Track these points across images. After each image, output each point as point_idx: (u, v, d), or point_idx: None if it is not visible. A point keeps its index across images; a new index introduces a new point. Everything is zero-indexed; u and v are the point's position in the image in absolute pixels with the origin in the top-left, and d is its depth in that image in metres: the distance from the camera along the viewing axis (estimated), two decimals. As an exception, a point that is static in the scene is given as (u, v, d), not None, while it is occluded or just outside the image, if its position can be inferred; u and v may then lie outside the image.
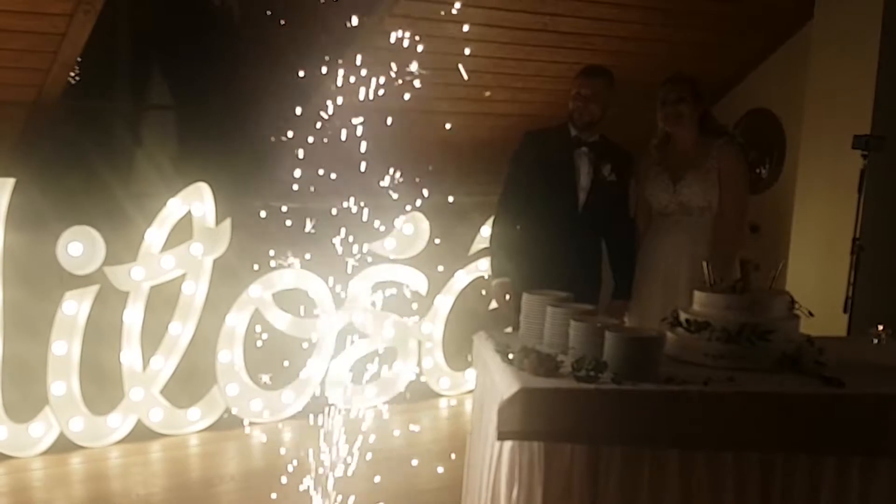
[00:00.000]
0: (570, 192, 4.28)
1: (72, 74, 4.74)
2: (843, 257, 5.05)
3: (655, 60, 5.61)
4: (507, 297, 4.36)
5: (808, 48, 5.67)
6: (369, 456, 4.33)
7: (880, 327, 3.62)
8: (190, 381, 4.94)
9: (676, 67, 5.51)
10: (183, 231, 4.79)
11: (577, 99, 4.24)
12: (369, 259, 5.30)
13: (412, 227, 5.56)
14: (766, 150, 6.13)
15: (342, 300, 5.22)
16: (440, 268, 5.54)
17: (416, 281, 5.59)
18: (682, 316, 3.31)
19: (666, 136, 4.39)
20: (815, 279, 5.57)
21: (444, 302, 5.78)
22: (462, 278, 5.80)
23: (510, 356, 3.18)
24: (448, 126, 5.19)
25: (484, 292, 5.55)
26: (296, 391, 5.23)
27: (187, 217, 4.78)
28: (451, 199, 5.26)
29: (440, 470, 4.53)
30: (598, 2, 5.04)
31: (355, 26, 4.54)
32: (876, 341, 3.59)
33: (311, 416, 4.06)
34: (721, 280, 3.43)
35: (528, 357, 3.10)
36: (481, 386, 3.50)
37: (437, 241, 5.48)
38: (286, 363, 5.15)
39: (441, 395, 5.83)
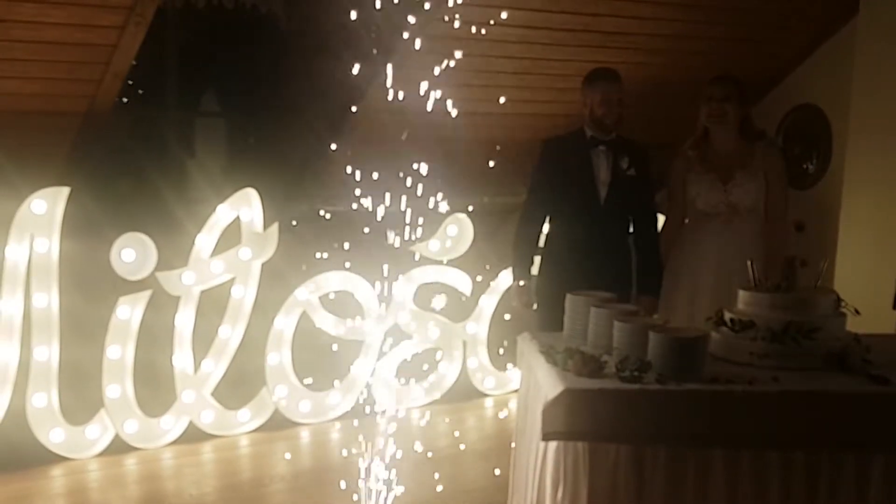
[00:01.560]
0: (591, 188, 4.34)
1: (128, 83, 4.86)
2: (891, 253, 5.01)
3: (698, 58, 5.61)
4: (526, 301, 4.48)
5: (853, 43, 5.61)
6: (416, 456, 4.39)
7: (929, 325, 3.58)
8: (240, 384, 5.03)
9: (720, 65, 5.54)
10: (232, 236, 4.88)
11: (605, 104, 4.28)
12: (416, 259, 5.35)
13: (456, 229, 5.61)
14: (813, 145, 6.08)
15: (388, 302, 5.29)
16: (487, 266, 5.57)
17: (461, 282, 5.63)
18: (727, 315, 3.31)
19: (703, 135, 4.42)
20: (864, 275, 5.52)
21: (489, 302, 5.82)
22: (506, 278, 5.83)
23: (555, 357, 3.22)
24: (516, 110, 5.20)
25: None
26: (343, 392, 5.30)
27: (236, 222, 4.87)
28: (485, 199, 5.30)
29: (487, 470, 4.57)
30: (638, 1, 5.03)
31: (402, 30, 4.59)
32: (924, 339, 3.56)
33: (358, 417, 4.12)
34: (768, 279, 3.42)
35: (572, 358, 3.13)
36: (526, 386, 3.53)
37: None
38: (334, 364, 5.22)
39: (486, 395, 5.87)
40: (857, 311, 3.35)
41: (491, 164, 4.83)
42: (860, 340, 3.22)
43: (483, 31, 4.67)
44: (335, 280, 5.22)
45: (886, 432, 2.95)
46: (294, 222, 4.99)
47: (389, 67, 3.98)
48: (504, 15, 4.54)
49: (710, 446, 2.94)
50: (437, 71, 4.02)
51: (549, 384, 3.05)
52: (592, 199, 4.35)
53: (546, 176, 4.42)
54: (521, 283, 4.50)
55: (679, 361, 3.01)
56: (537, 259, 4.59)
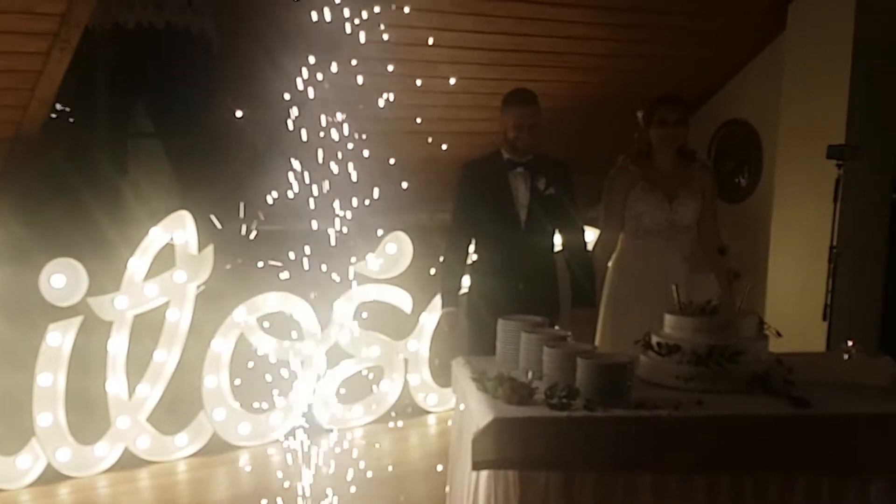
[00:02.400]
0: (511, 211, 4.38)
1: (57, 106, 4.78)
2: (821, 265, 5.11)
3: (633, 75, 5.69)
4: (454, 326, 4.51)
5: (781, 59, 5.73)
6: (358, 476, 4.38)
7: (850, 343, 3.66)
8: (176, 408, 4.97)
9: (655, 82, 5.63)
10: (167, 259, 4.83)
11: (519, 129, 4.32)
12: (354, 279, 5.34)
13: (395, 247, 5.61)
14: (745, 160, 6.20)
15: (327, 322, 5.27)
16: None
17: (401, 299, 5.64)
18: (654, 339, 3.36)
19: (643, 155, 4.47)
20: (795, 287, 5.64)
21: (430, 319, 5.83)
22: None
23: (486, 384, 3.23)
24: (431, 139, 5.24)
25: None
26: (283, 414, 5.27)
27: (171, 245, 4.82)
28: (429, 216, 5.32)
29: (430, 489, 4.57)
30: (572, 21, 5.10)
31: (334, 46, 4.58)
32: (847, 357, 3.63)
33: (298, 438, 4.11)
34: (692, 302, 3.48)
35: (502, 385, 3.15)
36: (459, 411, 3.55)
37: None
38: (273, 387, 5.18)
39: (429, 412, 5.87)
40: (778, 334, 3.42)
41: (405, 185, 4.82)
42: (782, 362, 3.28)
43: (415, 52, 4.69)
44: (273, 301, 5.18)
45: (808, 454, 3.01)
46: (239, 260, 4.96)
47: (318, 86, 4.01)
48: (431, 40, 4.56)
49: (638, 471, 2.98)
50: (368, 89, 4.05)
51: (479, 412, 3.07)
52: (513, 221, 4.39)
53: (467, 200, 4.47)
54: (449, 310, 4.53)
55: (606, 388, 3.05)
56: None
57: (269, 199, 4.30)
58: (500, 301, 4.15)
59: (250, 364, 5.03)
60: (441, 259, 4.60)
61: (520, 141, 4.34)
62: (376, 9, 3.90)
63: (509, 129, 4.35)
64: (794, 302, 5.61)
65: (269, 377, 4.92)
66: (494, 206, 4.39)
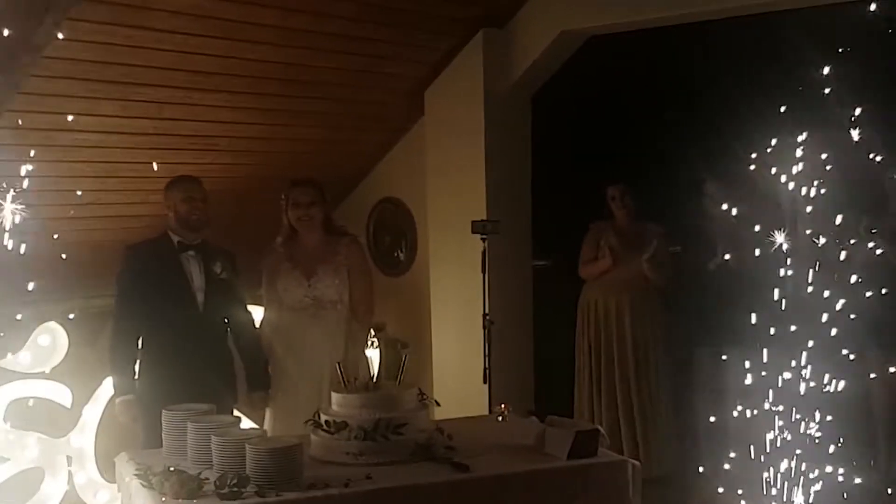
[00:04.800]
0: (187, 295, 4.35)
1: None
2: (477, 332, 5.42)
3: (284, 157, 5.84)
4: (133, 415, 4.33)
5: (424, 140, 6.14)
6: None
7: (503, 406, 3.97)
8: None
9: (307, 163, 5.81)
10: None
11: (190, 202, 4.33)
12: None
13: (49, 338, 5.28)
14: (401, 235, 6.50)
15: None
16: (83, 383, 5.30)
17: (59, 393, 5.30)
18: (323, 417, 3.45)
19: (291, 234, 4.61)
20: (457, 354, 5.97)
21: (94, 412, 5.52)
22: (110, 385, 5.57)
23: (151, 480, 3.13)
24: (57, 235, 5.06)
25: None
26: (-78, 534, 4.73)
27: None
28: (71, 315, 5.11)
29: None
30: (216, 106, 5.16)
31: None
32: (500, 419, 3.93)
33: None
34: (356, 378, 3.61)
35: (168, 480, 3.07)
36: (126, 512, 3.40)
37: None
38: None
39: (101, 511, 5.52)
40: (437, 403, 3.63)
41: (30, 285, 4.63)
42: (443, 430, 3.49)
43: (56, 137, 4.54)
44: None
45: (470, 515, 3.22)
46: None
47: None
48: (70, 118, 4.46)
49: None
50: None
51: (146, 511, 2.97)
52: (190, 305, 4.35)
53: (134, 285, 4.34)
54: (125, 398, 4.35)
55: (276, 472, 3.08)
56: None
57: None
58: (175, 388, 4.04)
59: None
60: (110, 347, 4.41)
61: (194, 214, 4.32)
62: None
63: (179, 203, 4.33)
64: (457, 368, 5.94)
65: None
66: (168, 290, 4.32)
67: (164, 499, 3.00)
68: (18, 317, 4.68)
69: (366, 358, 4.53)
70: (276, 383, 4.57)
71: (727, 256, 5.32)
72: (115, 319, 4.41)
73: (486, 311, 5.38)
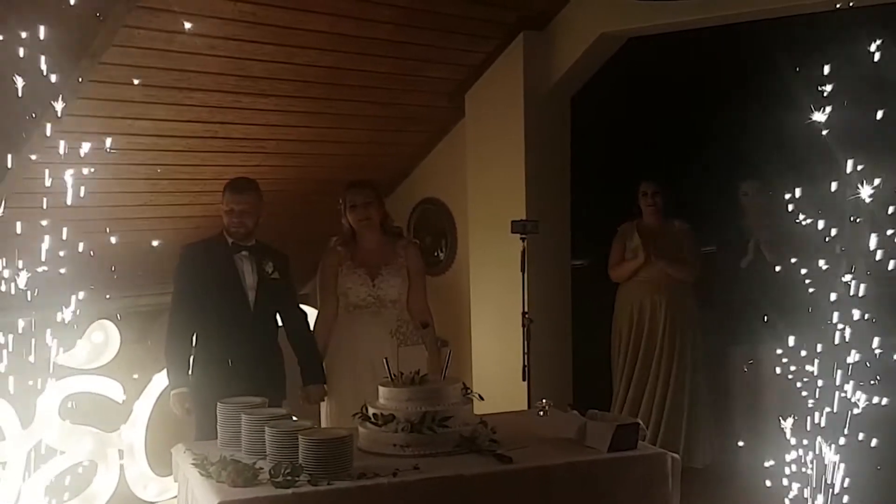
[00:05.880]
0: (240, 293, 4.49)
1: None
2: (516, 330, 5.50)
3: (330, 159, 5.98)
4: (187, 407, 4.47)
5: (464, 142, 6.24)
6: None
7: (544, 401, 4.06)
8: None
9: (352, 163, 5.95)
10: None
11: (230, 214, 4.46)
12: (55, 372, 5.12)
13: (102, 335, 5.44)
14: (440, 234, 6.61)
15: (31, 418, 5.00)
16: (135, 376, 5.46)
17: (111, 389, 5.46)
18: (371, 410, 3.58)
19: (351, 235, 4.73)
20: (496, 352, 6.07)
21: (143, 407, 5.68)
22: (160, 381, 5.72)
23: (208, 469, 3.27)
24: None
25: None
26: (-16, 522, 4.90)
27: None
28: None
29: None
30: (265, 109, 5.30)
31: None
32: (541, 413, 4.03)
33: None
34: (403, 374, 3.72)
35: (225, 469, 3.21)
36: (184, 500, 3.55)
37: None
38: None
39: (150, 503, 5.68)
40: (480, 397, 3.74)
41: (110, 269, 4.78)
42: (486, 423, 3.60)
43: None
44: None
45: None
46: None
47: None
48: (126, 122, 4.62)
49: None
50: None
51: (204, 497, 3.12)
52: (242, 304, 4.49)
53: (190, 283, 4.49)
54: (179, 391, 4.49)
55: (328, 461, 3.21)
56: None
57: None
58: (228, 383, 4.18)
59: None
60: (166, 341, 4.55)
61: (232, 226, 4.46)
62: (58, 107, 3.91)
63: (224, 215, 4.47)
64: (496, 365, 6.04)
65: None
66: (221, 288, 4.46)
67: (220, 486, 3.13)
68: (72, 315, 4.86)
69: (416, 354, 4.61)
70: (334, 379, 4.71)
71: (767, 254, 5.39)
72: (171, 315, 4.55)
73: (525, 309, 5.46)
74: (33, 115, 4.04)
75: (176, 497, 5.58)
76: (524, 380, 5.36)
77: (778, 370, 3.88)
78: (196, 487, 3.28)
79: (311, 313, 4.98)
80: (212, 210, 5.51)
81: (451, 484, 3.28)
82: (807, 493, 3.72)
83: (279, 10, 4.63)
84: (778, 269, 4.61)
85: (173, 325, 4.53)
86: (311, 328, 4.80)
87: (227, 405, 3.68)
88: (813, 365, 3.67)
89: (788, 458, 3.81)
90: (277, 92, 5.22)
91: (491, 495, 3.30)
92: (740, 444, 5.39)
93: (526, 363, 5.37)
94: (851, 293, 3.58)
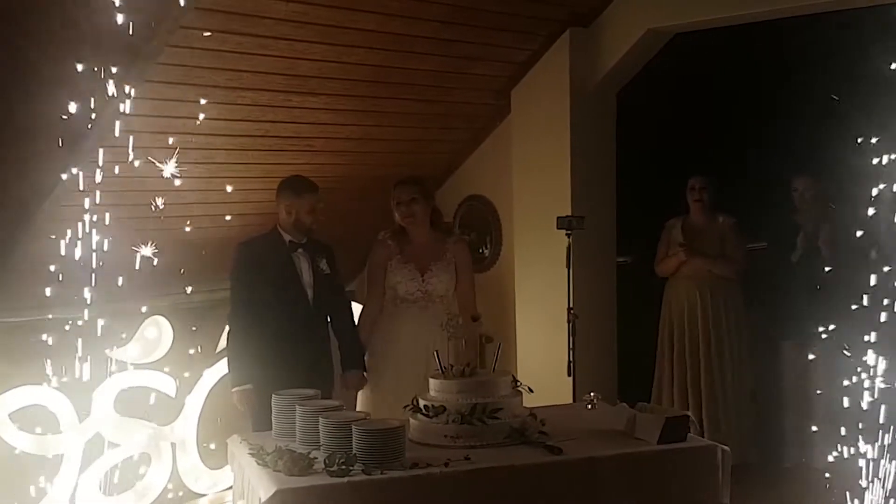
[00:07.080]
0: (299, 290, 4.60)
1: None
2: (561, 326, 5.53)
3: (378, 156, 6.05)
4: (249, 404, 4.55)
5: (510, 139, 6.28)
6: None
7: (592, 394, 4.10)
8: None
9: (399, 160, 6.01)
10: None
11: (311, 213, 4.58)
12: (113, 367, 5.23)
13: (155, 331, 5.55)
14: (486, 231, 6.64)
15: (87, 411, 5.12)
16: (186, 374, 5.57)
17: (164, 383, 5.56)
18: (422, 402, 3.63)
19: (400, 231, 4.81)
20: (541, 347, 6.10)
21: (195, 401, 5.78)
22: (210, 377, 5.82)
23: (265, 458, 3.34)
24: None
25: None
26: (44, 511, 5.02)
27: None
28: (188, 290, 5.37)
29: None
30: (313, 108, 5.37)
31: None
32: (590, 406, 4.06)
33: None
34: (453, 366, 3.77)
35: (281, 458, 3.28)
36: (240, 489, 3.62)
37: (195, 328, 5.58)
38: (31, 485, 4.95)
39: (201, 495, 5.79)
40: (530, 389, 3.78)
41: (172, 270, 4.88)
42: (536, 415, 3.64)
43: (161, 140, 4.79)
44: (25, 395, 4.96)
45: (564, 494, 3.37)
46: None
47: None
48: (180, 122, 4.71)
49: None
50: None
51: (261, 486, 3.18)
52: (302, 300, 4.60)
53: (248, 279, 4.57)
54: (243, 388, 4.58)
55: (381, 451, 3.27)
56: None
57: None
58: (286, 376, 4.26)
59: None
60: (228, 338, 4.66)
61: (315, 224, 4.63)
62: (124, 107, 4.02)
63: (304, 214, 4.58)
64: (541, 360, 6.06)
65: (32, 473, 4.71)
66: (282, 286, 4.57)
67: (277, 474, 3.20)
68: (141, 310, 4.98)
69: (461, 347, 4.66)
70: (379, 370, 4.79)
71: (823, 250, 5.37)
72: (232, 313, 4.64)
73: (571, 305, 5.49)
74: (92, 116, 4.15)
75: (227, 489, 5.74)
76: (569, 375, 5.39)
77: (830, 365, 3.87)
78: (252, 477, 3.35)
79: (356, 308, 5.07)
80: (261, 208, 5.61)
81: (501, 474, 3.32)
82: (863, 485, 3.71)
83: (329, 9, 4.69)
84: (828, 269, 4.60)
85: (235, 323, 4.61)
86: (356, 319, 4.90)
87: (282, 396, 3.75)
88: (868, 358, 3.66)
89: (843, 454, 3.81)
90: (326, 91, 5.29)
91: (541, 486, 3.34)
92: (800, 436, 5.38)
93: (571, 359, 5.41)
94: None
